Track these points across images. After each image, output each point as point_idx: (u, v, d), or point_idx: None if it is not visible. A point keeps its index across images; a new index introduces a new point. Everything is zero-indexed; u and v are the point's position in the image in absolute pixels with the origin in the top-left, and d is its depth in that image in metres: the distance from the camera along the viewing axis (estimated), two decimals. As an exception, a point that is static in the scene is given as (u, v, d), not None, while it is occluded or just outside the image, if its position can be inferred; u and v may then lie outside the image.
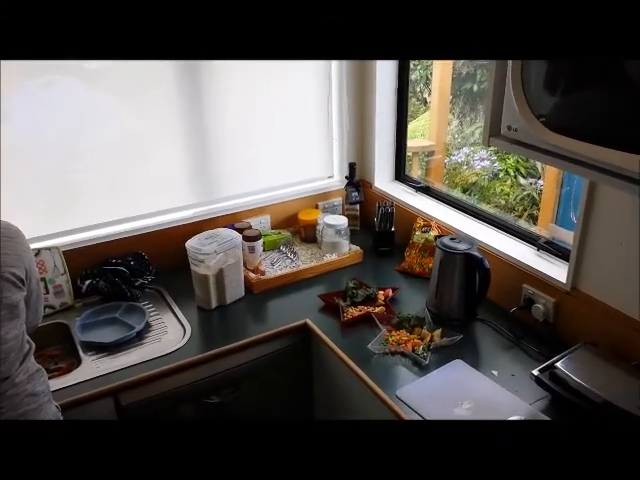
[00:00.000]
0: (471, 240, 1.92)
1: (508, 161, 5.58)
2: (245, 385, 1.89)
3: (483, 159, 5.02)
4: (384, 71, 2.39)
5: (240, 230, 2.13)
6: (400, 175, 2.56)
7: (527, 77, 1.22)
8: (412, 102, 6.55)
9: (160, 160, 2.20)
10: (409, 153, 4.52)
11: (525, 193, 5.31)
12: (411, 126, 5.70)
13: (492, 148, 5.50)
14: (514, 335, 1.83)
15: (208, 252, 1.92)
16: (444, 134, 4.54)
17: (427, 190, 2.43)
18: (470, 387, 1.62)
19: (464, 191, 5.23)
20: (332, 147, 2.53)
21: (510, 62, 1.25)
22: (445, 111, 4.43)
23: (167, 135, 2.19)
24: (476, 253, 1.85)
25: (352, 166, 2.47)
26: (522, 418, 1.50)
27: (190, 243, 1.96)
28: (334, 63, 2.40)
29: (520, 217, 5.11)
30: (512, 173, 5.51)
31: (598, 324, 1.69)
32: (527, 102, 1.21)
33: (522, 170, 5.52)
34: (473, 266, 1.85)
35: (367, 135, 2.51)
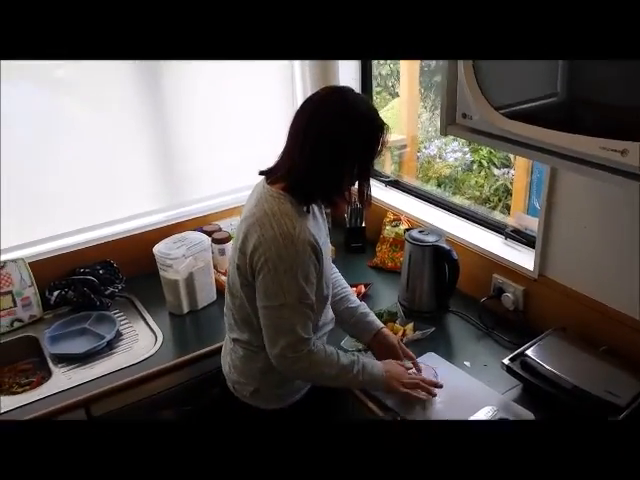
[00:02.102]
0: (439, 232, 1.93)
1: (481, 152, 5.61)
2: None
3: (455, 151, 5.04)
4: (347, 68, 2.40)
5: (209, 233, 2.12)
6: (369, 171, 2.55)
7: (479, 64, 1.23)
8: (383, 96, 6.58)
9: (126, 166, 2.18)
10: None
11: (499, 183, 5.35)
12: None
13: (464, 141, 5.55)
14: (485, 325, 1.85)
15: (176, 256, 1.91)
16: (415, 127, 4.54)
17: (396, 184, 2.44)
18: (443, 379, 1.62)
19: (438, 185, 5.26)
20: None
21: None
22: (415, 104, 4.42)
23: (132, 140, 2.17)
24: (444, 245, 1.86)
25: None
26: (494, 408, 1.51)
27: (157, 248, 1.94)
28: (296, 61, 2.39)
29: (495, 208, 5.14)
30: (485, 164, 5.55)
31: (566, 310, 1.71)
32: (480, 89, 1.21)
33: (495, 161, 5.56)
34: (442, 258, 1.86)
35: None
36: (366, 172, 1.42)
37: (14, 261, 1.97)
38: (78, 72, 1.98)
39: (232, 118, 2.32)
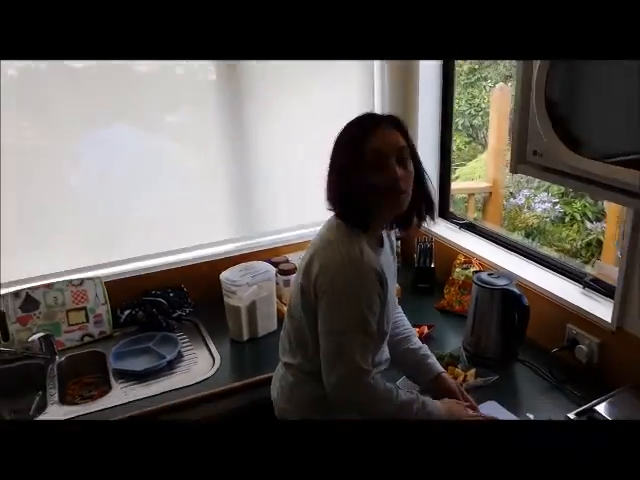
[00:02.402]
0: (510, 276, 1.84)
1: (574, 205, 5.39)
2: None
3: (544, 201, 4.86)
4: (426, 107, 2.38)
5: (276, 264, 2.14)
6: (444, 212, 2.50)
7: (551, 97, 1.18)
8: (473, 146, 6.52)
9: (204, 196, 2.26)
10: (464, 195, 4.47)
11: (591, 237, 5.09)
12: (468, 167, 5.63)
13: (556, 190, 5.35)
14: (555, 377, 1.72)
15: (240, 284, 1.93)
16: (502, 175, 4.45)
17: (471, 227, 2.36)
18: (502, 430, 1.52)
19: (527, 235, 5.08)
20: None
21: (534, 84, 1.21)
22: (502, 151, 4.34)
23: (212, 171, 2.26)
24: (514, 289, 1.76)
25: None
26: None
27: (224, 275, 1.98)
28: (376, 97, 2.41)
29: (587, 262, 4.88)
30: (579, 218, 5.31)
31: (645, 367, 1.56)
32: (551, 123, 1.16)
33: (589, 214, 5.31)
34: (511, 303, 1.76)
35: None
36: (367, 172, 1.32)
37: (91, 279, 2.07)
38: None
39: (312, 152, 2.36)
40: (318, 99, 2.34)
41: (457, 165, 5.83)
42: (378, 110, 2.42)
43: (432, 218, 1.48)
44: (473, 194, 4.39)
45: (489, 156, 4.56)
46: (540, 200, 4.90)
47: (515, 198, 5.18)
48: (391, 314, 1.49)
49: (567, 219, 5.37)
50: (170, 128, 2.20)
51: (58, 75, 1.93)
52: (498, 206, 4.49)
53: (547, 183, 5.10)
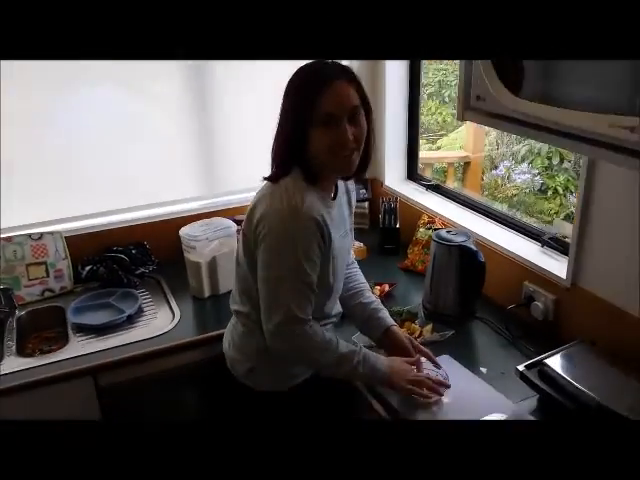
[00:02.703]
0: (468, 233, 1.84)
1: (557, 179, 5.39)
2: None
3: (524, 172, 4.85)
4: (394, 70, 2.36)
5: (238, 222, 2.12)
6: (412, 174, 2.49)
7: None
8: (450, 111, 6.48)
9: (168, 155, 2.24)
10: (444, 164, 4.45)
11: (572, 209, 5.11)
12: (449, 139, 5.61)
13: (539, 163, 5.34)
14: (510, 334, 1.73)
15: (200, 239, 1.92)
16: (481, 145, 4.43)
17: (437, 188, 2.36)
18: (453, 382, 1.53)
19: (510, 207, 5.08)
20: (343, 145, 2.50)
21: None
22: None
23: (177, 132, 2.24)
24: (471, 245, 1.76)
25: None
26: (503, 416, 1.41)
27: (184, 230, 1.96)
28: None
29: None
30: (561, 191, 5.32)
31: (598, 322, 1.57)
32: (493, 66, 1.15)
33: (572, 188, 5.32)
34: (468, 259, 1.76)
35: (377, 133, 2.45)
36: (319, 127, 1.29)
37: (51, 233, 2.05)
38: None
39: (275, 115, 2.33)
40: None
41: (440, 135, 5.81)
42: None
43: (363, 170, 1.45)
44: (452, 164, 4.38)
45: (467, 126, 4.55)
46: (520, 171, 4.89)
47: (496, 169, 5.16)
48: (340, 269, 1.48)
49: (550, 192, 5.38)
50: (141, 93, 2.17)
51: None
52: (477, 176, 4.48)
53: (529, 155, 5.11)
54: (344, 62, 1.38)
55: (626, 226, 1.47)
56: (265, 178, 1.40)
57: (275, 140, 1.37)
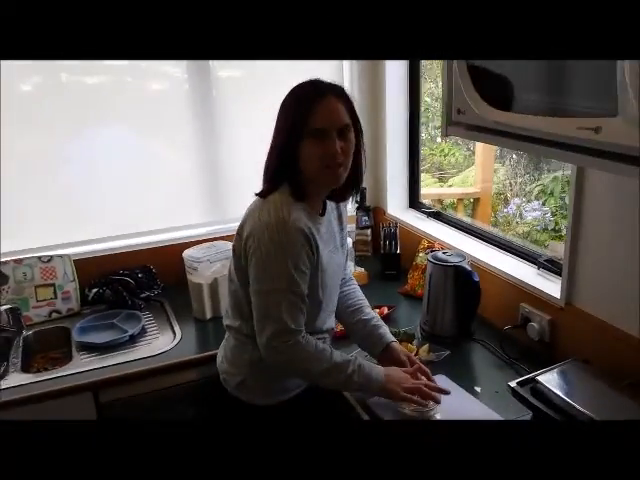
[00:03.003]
0: (463, 255, 1.86)
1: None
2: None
3: (535, 209, 4.86)
4: (394, 100, 2.43)
5: (242, 246, 2.17)
6: (413, 202, 2.54)
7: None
8: (472, 159, 6.56)
9: (176, 182, 2.32)
10: (453, 200, 4.49)
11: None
12: (461, 176, 5.66)
13: (553, 203, 5.34)
14: (506, 354, 1.73)
15: (202, 260, 1.97)
16: (489, 181, 4.48)
17: (438, 215, 2.39)
18: (445, 400, 1.53)
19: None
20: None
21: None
22: (490, 157, 4.38)
23: (186, 160, 2.33)
24: (466, 265, 1.79)
25: (362, 191, 2.47)
26: (495, 431, 1.40)
27: (187, 252, 2.02)
28: (346, 86, 2.46)
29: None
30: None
31: (592, 341, 1.57)
32: (471, 81, 1.20)
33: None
34: (463, 279, 1.78)
35: (379, 162, 2.52)
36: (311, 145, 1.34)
37: (60, 256, 2.12)
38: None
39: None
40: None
41: (452, 175, 5.88)
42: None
43: (355, 193, 1.51)
44: (462, 199, 4.42)
45: (477, 163, 4.60)
46: (531, 208, 4.90)
47: (507, 207, 5.19)
48: (330, 284, 1.50)
49: (564, 232, 5.36)
50: (145, 119, 2.27)
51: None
52: (486, 212, 4.50)
53: (542, 195, 5.11)
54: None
55: (616, 244, 1.49)
56: (256, 194, 1.45)
57: (268, 156, 1.43)
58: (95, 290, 2.14)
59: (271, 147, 1.42)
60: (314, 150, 1.34)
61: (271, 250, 1.33)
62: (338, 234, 1.56)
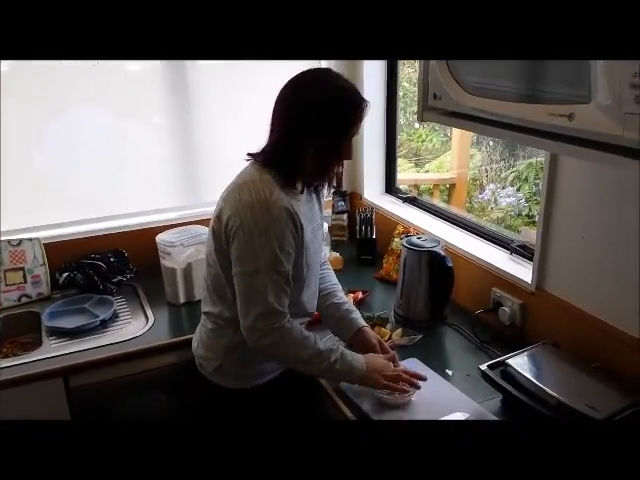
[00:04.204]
0: (438, 240, 1.87)
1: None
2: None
3: (509, 195, 4.91)
4: (372, 85, 2.41)
5: (216, 230, 2.15)
6: (390, 188, 2.54)
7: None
8: (448, 145, 6.60)
9: (147, 162, 2.28)
10: (429, 186, 4.51)
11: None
12: (438, 161, 5.68)
13: (527, 190, 5.39)
14: (478, 338, 1.75)
15: (175, 245, 1.95)
16: (465, 166, 4.50)
17: (413, 200, 2.40)
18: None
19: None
20: (323, 159, 2.55)
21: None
22: (466, 143, 4.40)
23: (160, 143, 2.29)
24: (440, 251, 1.80)
25: (338, 176, 2.46)
26: (465, 415, 1.42)
27: (160, 237, 2.00)
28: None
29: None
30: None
31: (562, 325, 1.60)
32: (447, 67, 1.19)
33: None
34: (437, 264, 1.79)
35: (356, 148, 2.50)
36: (340, 149, 1.39)
37: (29, 240, 2.07)
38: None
39: (255, 123, 2.38)
40: (265, 79, 2.36)
41: (429, 160, 5.89)
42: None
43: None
44: (438, 185, 4.44)
45: (453, 148, 4.62)
46: (506, 194, 4.94)
47: (482, 192, 5.22)
48: (313, 262, 1.50)
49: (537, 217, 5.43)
50: (121, 101, 2.22)
51: None
52: (462, 198, 4.53)
53: (517, 181, 5.15)
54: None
55: (587, 230, 1.51)
56: (252, 155, 1.44)
57: (280, 141, 1.38)
58: (66, 274, 2.11)
59: (291, 133, 1.36)
60: (347, 151, 1.39)
61: (254, 230, 1.31)
62: (318, 212, 1.56)
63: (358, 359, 1.45)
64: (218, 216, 1.40)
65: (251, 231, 1.31)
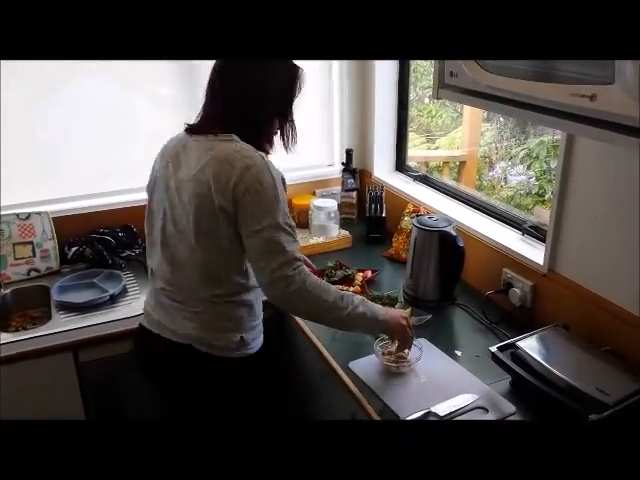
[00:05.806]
0: (450, 220, 1.85)
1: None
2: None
3: (520, 174, 4.86)
4: (384, 68, 2.38)
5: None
6: (400, 165, 2.51)
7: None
8: (459, 121, 6.52)
9: (155, 136, 2.24)
10: (439, 163, 4.47)
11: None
12: (448, 138, 5.62)
13: (538, 167, 5.34)
14: (488, 319, 1.74)
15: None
16: (476, 144, 4.45)
17: (424, 179, 2.37)
18: (426, 363, 1.55)
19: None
20: (333, 136, 2.52)
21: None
22: (477, 121, 4.34)
23: (167, 112, 2.25)
24: (451, 231, 1.78)
25: (349, 153, 2.44)
26: (474, 396, 1.42)
27: (169, 212, 1.97)
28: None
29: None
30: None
31: (573, 307, 1.59)
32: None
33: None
34: (447, 244, 1.78)
35: (367, 125, 2.49)
36: (286, 114, 1.51)
37: (38, 213, 2.07)
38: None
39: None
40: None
41: (440, 136, 5.84)
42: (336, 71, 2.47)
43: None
44: (448, 162, 4.40)
45: (464, 127, 4.56)
46: (516, 172, 4.89)
47: (492, 170, 5.17)
48: None
49: (548, 195, 5.37)
50: (128, 72, 2.18)
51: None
52: (472, 176, 4.49)
53: (527, 158, 5.09)
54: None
55: (602, 212, 1.49)
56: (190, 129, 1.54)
57: (267, 116, 1.50)
58: (75, 249, 2.10)
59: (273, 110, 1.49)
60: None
61: (263, 189, 1.36)
62: None
63: (376, 305, 1.53)
64: (218, 186, 1.36)
65: (259, 190, 1.36)
